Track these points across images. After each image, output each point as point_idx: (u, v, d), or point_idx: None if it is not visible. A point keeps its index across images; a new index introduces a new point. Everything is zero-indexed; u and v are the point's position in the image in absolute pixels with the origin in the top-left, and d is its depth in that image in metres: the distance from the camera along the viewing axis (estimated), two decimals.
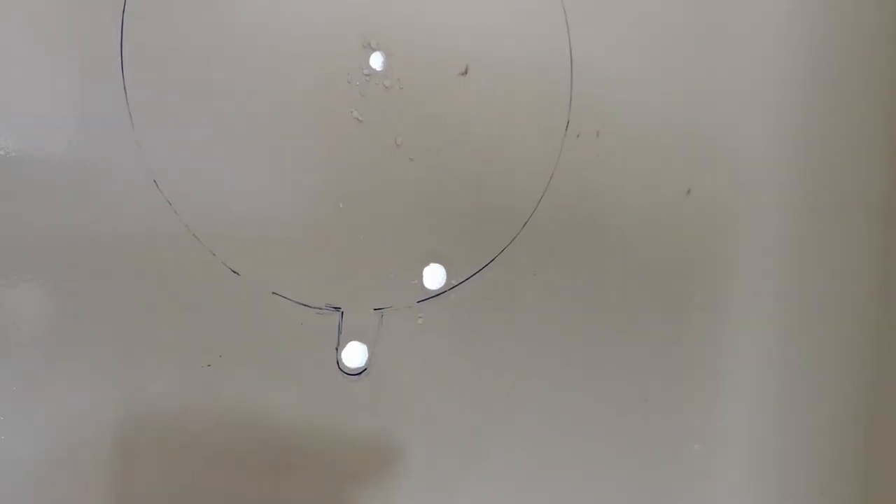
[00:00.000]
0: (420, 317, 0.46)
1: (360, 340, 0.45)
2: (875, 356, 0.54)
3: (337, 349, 0.44)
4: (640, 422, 0.50)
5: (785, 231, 0.52)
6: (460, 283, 0.47)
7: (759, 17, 0.51)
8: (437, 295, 0.46)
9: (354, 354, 0.45)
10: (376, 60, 0.44)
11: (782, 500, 0.53)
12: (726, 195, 0.53)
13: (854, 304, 0.53)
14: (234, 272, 0.42)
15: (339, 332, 0.44)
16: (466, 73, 0.46)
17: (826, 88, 0.52)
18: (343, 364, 0.44)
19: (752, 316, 0.52)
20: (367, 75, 0.44)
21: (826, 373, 0.53)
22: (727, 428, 0.52)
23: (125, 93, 0.40)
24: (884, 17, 0.54)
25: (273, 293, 0.43)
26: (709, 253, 0.52)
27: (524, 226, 0.48)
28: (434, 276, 0.46)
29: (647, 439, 0.51)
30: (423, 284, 0.46)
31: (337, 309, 0.44)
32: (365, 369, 0.45)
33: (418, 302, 0.46)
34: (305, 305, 0.44)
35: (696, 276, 0.52)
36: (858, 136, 0.53)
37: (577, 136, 0.49)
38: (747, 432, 0.52)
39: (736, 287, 0.52)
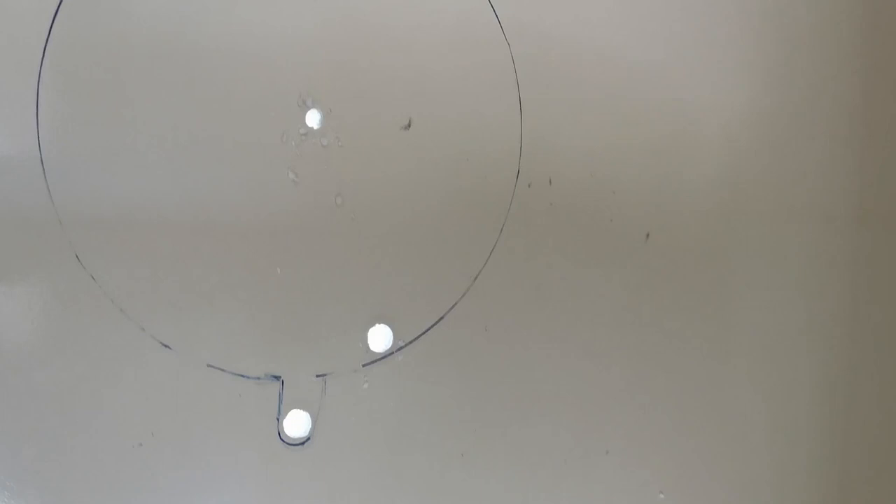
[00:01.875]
0: (366, 381, 0.44)
1: (302, 409, 0.43)
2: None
3: (278, 419, 0.42)
4: (602, 474, 0.49)
5: (747, 272, 0.51)
6: (408, 343, 0.45)
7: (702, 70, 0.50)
8: (384, 357, 0.45)
9: (297, 423, 0.43)
10: (313, 118, 0.42)
11: None
12: (686, 238, 0.51)
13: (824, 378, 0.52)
14: (166, 346, 0.40)
15: (280, 402, 0.42)
16: (409, 126, 0.44)
17: (780, 125, 0.51)
18: (285, 434, 0.42)
19: (711, 361, 0.50)
20: (303, 134, 0.42)
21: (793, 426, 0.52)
22: (689, 477, 0.51)
23: (42, 164, 0.38)
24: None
25: (208, 365, 0.41)
26: (668, 297, 0.50)
27: (475, 279, 0.46)
28: (380, 338, 0.45)
29: (612, 491, 0.49)
30: (368, 347, 0.44)
31: (277, 378, 0.43)
32: (308, 438, 0.43)
33: (363, 365, 0.44)
34: (243, 376, 0.42)
35: (654, 322, 0.50)
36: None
37: (529, 185, 0.47)
38: (708, 480, 0.51)
39: (697, 331, 0.51)
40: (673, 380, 0.50)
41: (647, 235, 0.50)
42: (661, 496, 0.50)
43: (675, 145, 0.49)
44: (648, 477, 0.49)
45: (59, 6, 0.37)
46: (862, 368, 0.52)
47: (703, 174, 0.50)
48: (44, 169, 0.38)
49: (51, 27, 0.37)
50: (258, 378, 0.43)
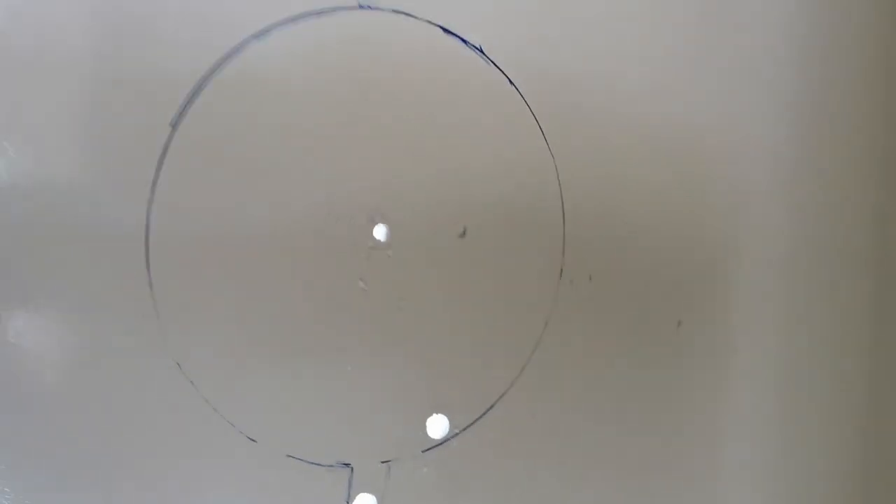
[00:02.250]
0: (425, 466, 0.49)
1: (369, 492, 0.48)
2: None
3: (348, 501, 0.47)
4: None
5: (772, 357, 0.56)
6: (462, 430, 0.50)
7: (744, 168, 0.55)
8: (441, 443, 0.50)
9: None
10: (380, 232, 0.48)
11: None
12: (714, 326, 0.56)
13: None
14: (252, 440, 0.46)
15: (350, 487, 0.47)
16: (464, 234, 0.49)
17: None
18: None
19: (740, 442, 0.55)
20: (371, 247, 0.48)
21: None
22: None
23: (150, 286, 0.43)
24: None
25: (288, 456, 0.46)
26: (699, 380, 0.55)
27: (522, 370, 0.51)
28: (437, 426, 0.50)
29: None
30: (427, 434, 0.49)
31: (347, 465, 0.47)
32: None
33: (423, 451, 0.49)
34: (317, 464, 0.47)
35: (690, 402, 0.55)
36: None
37: (571, 281, 0.52)
38: None
39: (727, 411, 0.55)
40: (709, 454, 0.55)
41: (679, 323, 0.55)
42: None
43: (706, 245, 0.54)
44: None
45: (166, 148, 0.43)
46: None
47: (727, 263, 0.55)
48: (152, 290, 0.43)
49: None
50: (331, 465, 0.48)
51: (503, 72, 0.49)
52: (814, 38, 0.56)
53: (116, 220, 0.43)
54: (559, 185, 0.51)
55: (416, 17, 0.47)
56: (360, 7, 0.46)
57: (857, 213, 0.58)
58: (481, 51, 0.49)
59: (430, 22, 0.47)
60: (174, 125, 0.43)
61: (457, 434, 0.50)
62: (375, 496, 0.48)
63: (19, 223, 0.42)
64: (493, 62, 0.49)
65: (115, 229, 0.43)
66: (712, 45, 0.54)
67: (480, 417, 0.50)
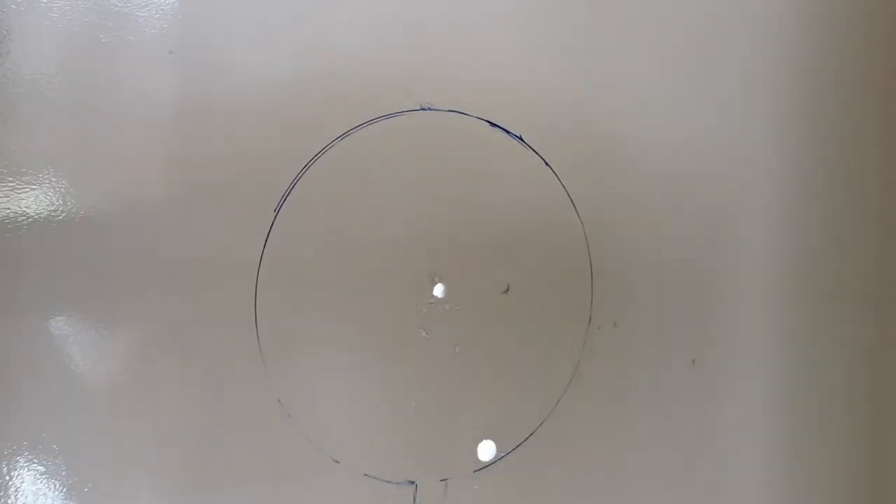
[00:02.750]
0: (476, 484, 0.60)
1: None
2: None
3: None
4: None
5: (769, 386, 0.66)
6: (507, 453, 0.61)
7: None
8: (490, 465, 0.60)
9: None
10: (439, 290, 0.59)
11: None
12: (722, 363, 0.66)
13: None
14: (336, 461, 0.57)
15: (415, 501, 0.58)
16: (508, 291, 0.60)
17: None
18: None
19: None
20: (431, 303, 0.59)
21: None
22: None
23: (258, 338, 0.55)
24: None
25: (365, 475, 0.57)
26: (711, 409, 0.65)
27: (557, 403, 0.62)
28: (486, 450, 0.60)
29: None
30: (477, 457, 0.60)
31: (412, 483, 0.58)
32: None
33: (474, 472, 0.60)
34: (389, 482, 0.58)
35: (702, 427, 0.65)
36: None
37: (598, 328, 0.63)
38: None
39: (729, 440, 0.65)
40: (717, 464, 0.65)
41: (693, 362, 0.65)
42: None
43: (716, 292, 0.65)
44: None
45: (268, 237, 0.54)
46: None
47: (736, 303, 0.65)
48: (259, 341, 0.55)
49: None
50: (399, 483, 0.59)
51: (540, 155, 0.60)
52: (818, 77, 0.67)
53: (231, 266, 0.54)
54: (587, 247, 0.62)
55: (467, 115, 0.58)
56: (423, 109, 0.57)
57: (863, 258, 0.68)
58: (521, 139, 0.60)
59: (479, 118, 0.59)
60: (277, 210, 0.54)
61: (502, 457, 0.60)
62: None
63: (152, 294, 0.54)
64: (531, 147, 0.60)
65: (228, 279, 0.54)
66: (724, 109, 0.65)
67: (522, 443, 0.61)
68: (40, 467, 0.49)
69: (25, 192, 0.48)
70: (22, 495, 0.49)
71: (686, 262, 0.65)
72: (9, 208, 0.48)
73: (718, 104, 0.64)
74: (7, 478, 0.49)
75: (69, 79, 0.49)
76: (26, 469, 0.49)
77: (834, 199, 0.67)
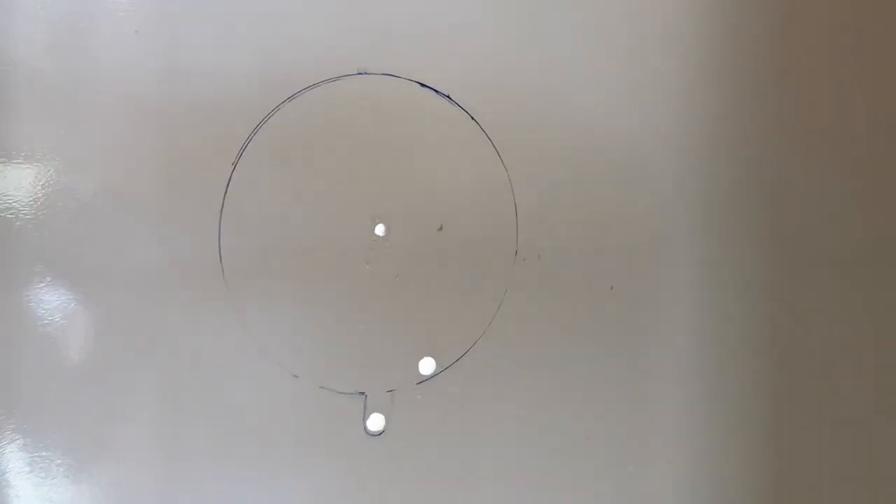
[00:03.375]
0: (419, 395, 0.71)
1: (379, 413, 0.70)
2: (786, 381, 0.76)
3: (363, 419, 0.69)
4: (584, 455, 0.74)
5: (693, 317, 0.75)
6: (445, 368, 0.71)
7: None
8: (430, 378, 0.71)
9: (376, 423, 0.70)
10: (380, 229, 0.69)
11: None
12: (640, 289, 0.76)
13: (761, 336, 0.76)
14: (295, 376, 0.68)
15: (365, 409, 0.69)
16: (442, 229, 0.71)
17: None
18: (368, 430, 0.69)
19: (671, 376, 0.75)
20: (373, 240, 0.69)
21: (741, 399, 0.76)
22: (654, 451, 0.75)
23: (223, 273, 0.65)
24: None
25: (321, 387, 0.68)
26: (629, 329, 0.75)
27: (489, 325, 0.72)
28: (427, 365, 0.71)
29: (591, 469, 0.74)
30: (419, 371, 0.71)
31: (362, 394, 0.69)
32: (383, 431, 0.70)
33: (417, 384, 0.71)
34: (342, 393, 0.69)
35: (622, 346, 0.75)
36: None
37: (524, 259, 0.73)
38: (673, 452, 0.76)
39: (656, 356, 0.75)
40: (643, 383, 0.75)
41: (612, 287, 0.75)
42: (630, 469, 0.75)
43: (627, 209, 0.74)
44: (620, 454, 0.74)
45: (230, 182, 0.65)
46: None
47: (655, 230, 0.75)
48: (220, 257, 0.66)
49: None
50: (351, 394, 0.69)
51: (466, 111, 0.70)
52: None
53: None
54: (512, 191, 0.72)
55: (400, 77, 0.68)
56: (360, 73, 0.67)
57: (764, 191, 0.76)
58: (449, 97, 0.70)
59: (410, 80, 0.68)
60: (234, 164, 0.65)
61: (441, 372, 0.71)
62: (384, 416, 0.70)
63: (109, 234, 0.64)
64: (458, 104, 0.70)
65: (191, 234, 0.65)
66: (641, 59, 0.73)
67: (458, 360, 0.71)
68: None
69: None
70: None
71: (604, 200, 0.74)
72: None
73: (639, 57, 0.72)
74: None
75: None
76: None
77: (741, 134, 0.76)
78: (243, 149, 0.63)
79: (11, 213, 0.62)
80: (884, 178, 0.77)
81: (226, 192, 0.63)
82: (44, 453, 0.64)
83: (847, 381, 0.75)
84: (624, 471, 0.72)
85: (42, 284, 0.62)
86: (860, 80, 0.76)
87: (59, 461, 0.64)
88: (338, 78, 0.65)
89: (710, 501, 0.74)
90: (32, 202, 0.62)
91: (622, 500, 0.72)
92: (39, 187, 0.62)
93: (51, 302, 0.63)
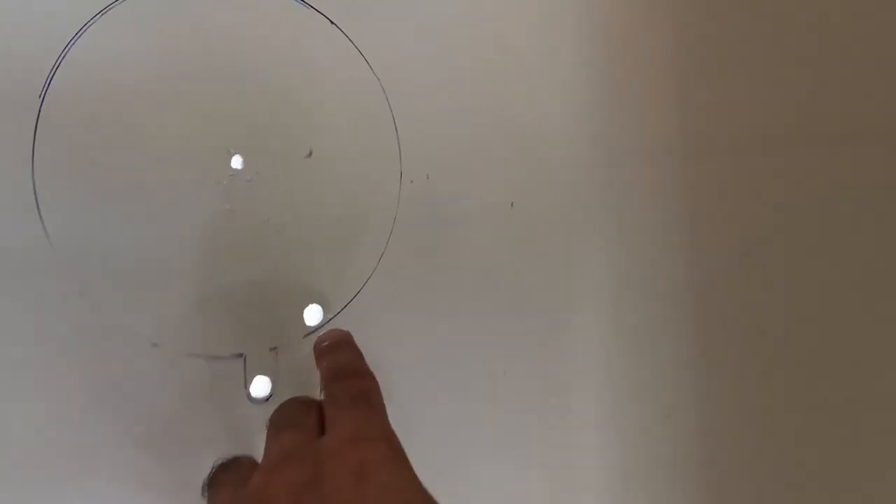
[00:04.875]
0: (306, 348, 0.61)
1: (263, 374, 0.60)
2: (696, 346, 0.70)
3: (245, 385, 0.59)
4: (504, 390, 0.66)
5: (602, 230, 0.68)
6: (334, 316, 0.62)
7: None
8: (318, 329, 0.61)
9: (261, 387, 0.60)
10: (237, 161, 0.58)
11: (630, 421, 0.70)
12: (543, 204, 0.68)
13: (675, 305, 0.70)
14: (156, 345, 0.57)
15: (245, 373, 0.59)
16: (311, 155, 0.60)
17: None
18: (252, 396, 0.59)
19: (586, 307, 0.68)
20: (231, 175, 0.58)
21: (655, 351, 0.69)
22: (576, 384, 0.68)
23: (44, 230, 0.53)
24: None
25: (188, 354, 0.58)
26: (536, 258, 0.67)
27: (379, 260, 0.63)
28: (313, 314, 0.61)
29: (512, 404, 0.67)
30: (305, 323, 0.61)
31: (240, 355, 0.59)
32: (270, 396, 0.60)
33: (304, 337, 0.61)
34: (216, 357, 0.58)
35: (529, 279, 0.67)
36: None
37: (411, 182, 0.64)
38: (594, 386, 0.69)
39: (564, 286, 0.68)
40: (557, 317, 0.67)
41: (512, 204, 0.67)
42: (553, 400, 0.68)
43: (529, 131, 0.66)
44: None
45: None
46: None
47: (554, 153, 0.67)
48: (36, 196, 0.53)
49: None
50: (226, 357, 0.59)
51: (325, 15, 0.59)
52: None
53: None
54: (388, 104, 0.62)
55: None
56: None
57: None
58: (304, 1, 0.58)
59: None
60: (42, 97, 0.52)
61: (330, 319, 0.61)
62: (269, 378, 0.59)
63: None
64: (312, 6, 0.59)
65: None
66: None
67: (349, 304, 0.62)
68: None
69: None
70: None
71: (496, 108, 0.65)
72: None
73: None
74: None
75: None
76: None
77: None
78: (52, 74, 0.51)
79: None
80: (791, 168, 0.70)
81: (35, 133, 0.50)
82: None
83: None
84: (547, 403, 0.65)
85: None
86: (767, 76, 0.70)
87: None
88: None
89: (635, 434, 0.68)
90: None
91: (545, 433, 0.65)
92: None
93: None
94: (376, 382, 0.49)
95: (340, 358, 0.53)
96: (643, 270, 0.70)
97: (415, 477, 0.41)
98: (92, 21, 0.53)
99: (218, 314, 0.58)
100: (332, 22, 0.59)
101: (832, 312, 0.76)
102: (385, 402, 0.47)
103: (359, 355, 0.53)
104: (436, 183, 0.63)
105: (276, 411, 0.49)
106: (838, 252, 0.76)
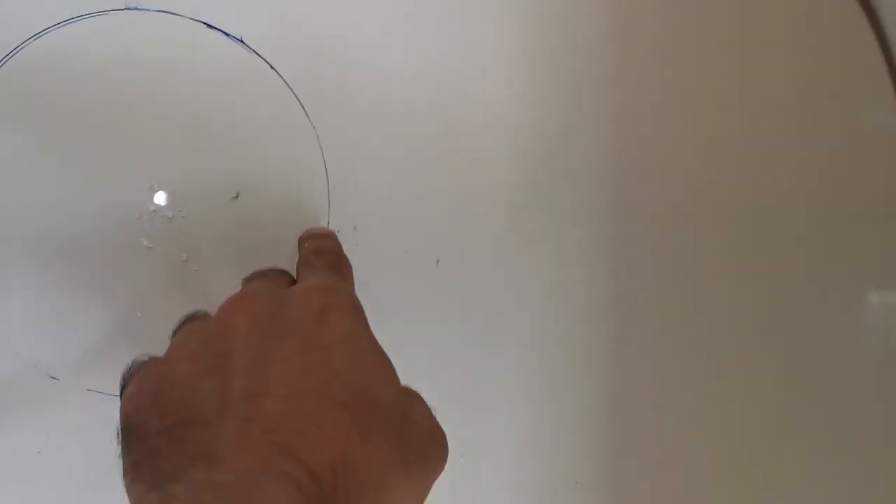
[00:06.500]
0: None
1: None
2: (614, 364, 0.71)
3: None
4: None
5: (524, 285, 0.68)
6: None
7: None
8: None
9: None
10: (160, 197, 0.57)
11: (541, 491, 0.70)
12: (467, 259, 0.68)
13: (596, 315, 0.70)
14: (55, 378, 0.55)
15: None
16: (237, 197, 0.60)
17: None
18: None
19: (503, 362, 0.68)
20: (153, 210, 0.57)
21: (575, 381, 0.69)
22: (486, 442, 0.68)
23: None
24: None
25: (88, 390, 0.56)
26: (461, 309, 0.67)
27: None
28: None
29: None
30: None
31: None
32: None
33: None
34: (117, 396, 0.57)
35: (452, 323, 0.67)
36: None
37: (338, 231, 0.64)
38: (504, 442, 0.69)
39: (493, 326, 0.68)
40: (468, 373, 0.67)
41: (437, 261, 0.67)
42: (461, 459, 0.67)
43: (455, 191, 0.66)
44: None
45: None
46: None
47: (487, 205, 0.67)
48: None
49: None
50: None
51: (263, 58, 0.59)
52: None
53: None
54: (321, 150, 0.62)
55: (181, 16, 0.56)
56: (128, 8, 0.55)
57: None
58: (242, 41, 0.58)
59: (193, 19, 0.57)
60: None
61: None
62: None
63: None
64: (253, 50, 0.59)
65: None
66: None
67: None
68: None
69: None
70: None
71: (428, 159, 0.66)
72: None
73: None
74: None
75: None
76: None
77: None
78: None
79: None
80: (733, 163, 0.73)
81: None
82: None
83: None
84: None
85: None
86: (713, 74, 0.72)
87: None
88: (100, 13, 0.53)
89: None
90: None
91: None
92: None
93: None
94: (351, 268, 0.54)
95: (323, 242, 0.57)
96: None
97: (372, 333, 0.43)
98: (20, 47, 0.52)
99: (127, 350, 0.57)
100: (271, 66, 0.59)
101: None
102: None
103: (340, 246, 0.57)
104: (362, 234, 0.63)
105: (250, 274, 0.52)
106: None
